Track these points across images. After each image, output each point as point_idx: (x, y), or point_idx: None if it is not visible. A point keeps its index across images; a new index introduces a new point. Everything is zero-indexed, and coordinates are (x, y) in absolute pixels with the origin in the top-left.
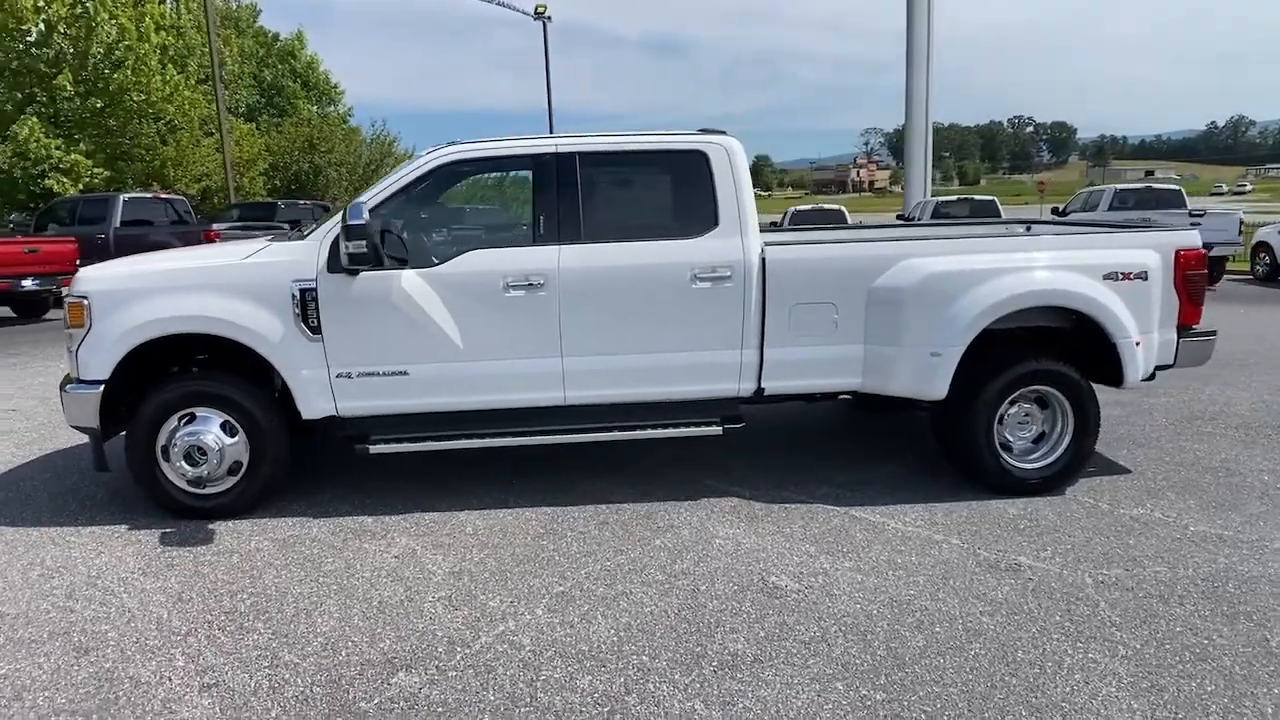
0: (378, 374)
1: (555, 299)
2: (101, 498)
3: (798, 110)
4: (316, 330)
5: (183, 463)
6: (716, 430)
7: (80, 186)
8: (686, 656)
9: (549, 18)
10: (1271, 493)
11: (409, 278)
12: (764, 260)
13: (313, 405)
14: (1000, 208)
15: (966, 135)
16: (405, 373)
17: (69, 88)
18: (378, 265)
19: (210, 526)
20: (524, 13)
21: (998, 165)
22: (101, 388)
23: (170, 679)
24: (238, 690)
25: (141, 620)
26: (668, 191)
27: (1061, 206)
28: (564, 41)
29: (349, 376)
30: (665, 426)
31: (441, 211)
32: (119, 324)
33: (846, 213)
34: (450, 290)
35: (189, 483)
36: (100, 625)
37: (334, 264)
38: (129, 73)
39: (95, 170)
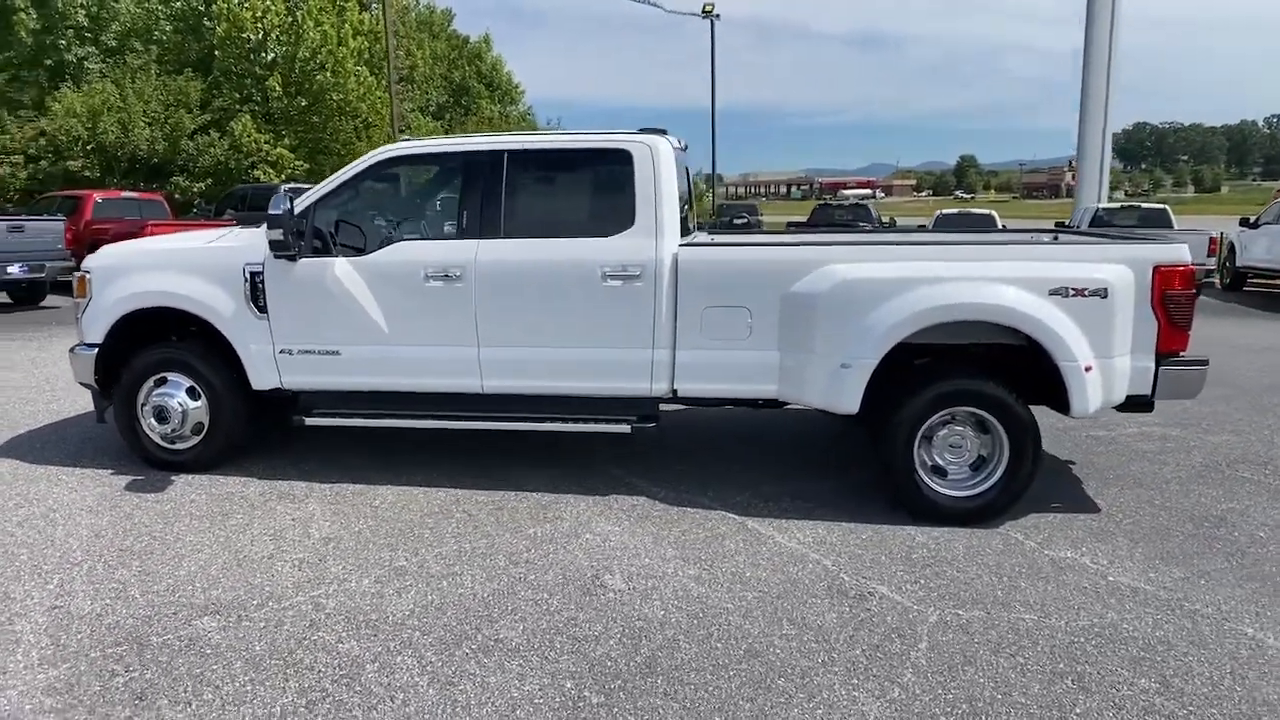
0: (314, 352)
1: (471, 291)
2: (99, 448)
3: (1011, 108)
4: (263, 310)
5: (153, 420)
6: (625, 429)
7: (283, 177)
8: (453, 637)
9: (717, 15)
10: (1249, 551)
11: (341, 265)
12: (676, 261)
13: (261, 377)
14: (1173, 217)
15: (1210, 136)
16: (338, 352)
17: (278, 88)
18: (325, 253)
19: (173, 478)
20: (692, 14)
21: (1247, 170)
22: (96, 350)
23: (31, 598)
24: (73, 614)
25: (56, 549)
26: (591, 190)
27: (1253, 218)
28: (761, 38)
29: (290, 353)
30: (573, 421)
31: (381, 204)
32: (109, 297)
33: (997, 217)
34: (377, 278)
35: (162, 439)
36: (21, 548)
37: (289, 253)
38: (329, 75)
39: (297, 163)
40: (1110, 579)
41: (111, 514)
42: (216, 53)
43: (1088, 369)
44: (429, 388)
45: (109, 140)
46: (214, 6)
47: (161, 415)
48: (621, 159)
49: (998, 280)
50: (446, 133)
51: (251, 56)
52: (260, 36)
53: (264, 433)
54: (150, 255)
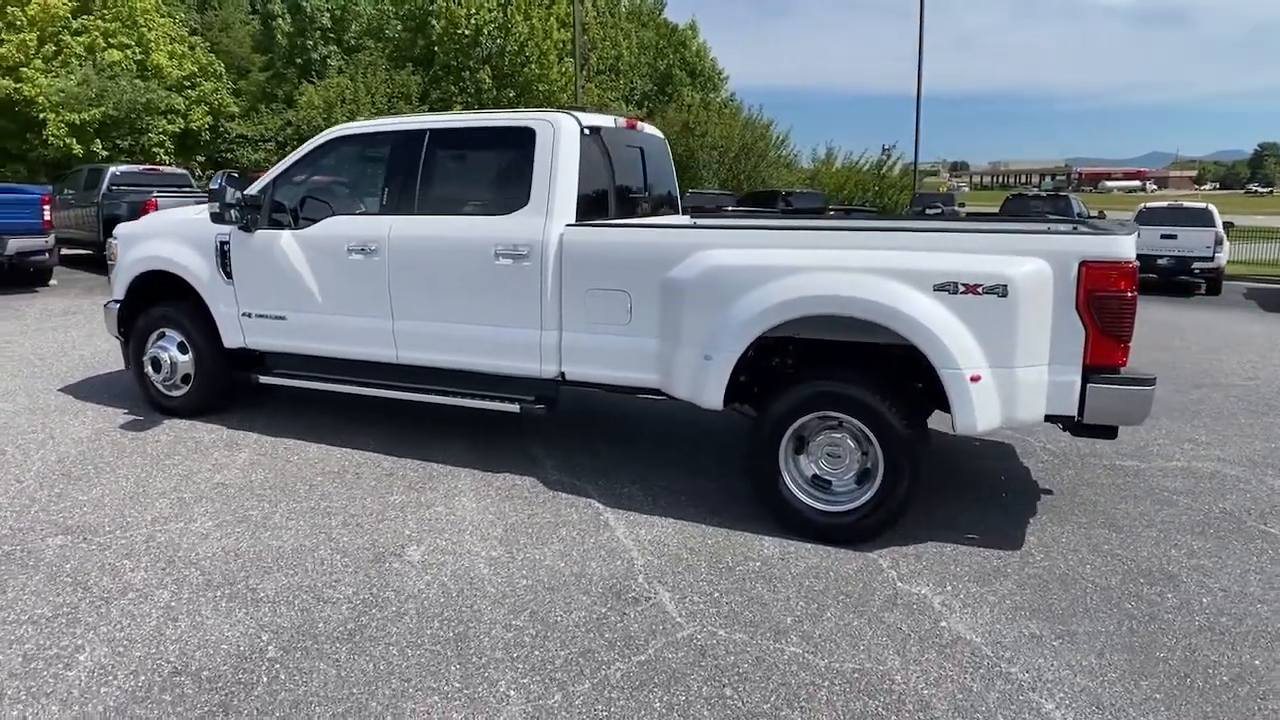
0: (267, 316)
1: (385, 266)
2: (121, 392)
3: None
4: (230, 276)
5: (150, 369)
6: (514, 408)
7: None
8: (219, 580)
9: None
10: (1161, 621)
11: (286, 237)
12: (561, 242)
13: (230, 337)
14: None
15: None
16: (284, 318)
17: (488, 80)
18: (278, 225)
19: (163, 421)
20: None
21: None
22: (118, 306)
23: None
24: None
25: (21, 466)
26: (496, 169)
27: None
28: (1022, 14)
29: (250, 316)
30: (470, 397)
31: (326, 181)
32: (128, 260)
33: (1215, 212)
34: (313, 250)
35: (161, 386)
36: (7, 466)
37: (243, 223)
38: (534, 67)
39: None
40: (942, 624)
41: (88, 445)
42: (436, 48)
43: (974, 379)
44: (356, 355)
45: None
46: (435, 4)
47: (156, 365)
48: (526, 138)
49: (875, 271)
50: (649, 120)
51: (467, 50)
52: (474, 32)
53: (261, 390)
54: (158, 224)
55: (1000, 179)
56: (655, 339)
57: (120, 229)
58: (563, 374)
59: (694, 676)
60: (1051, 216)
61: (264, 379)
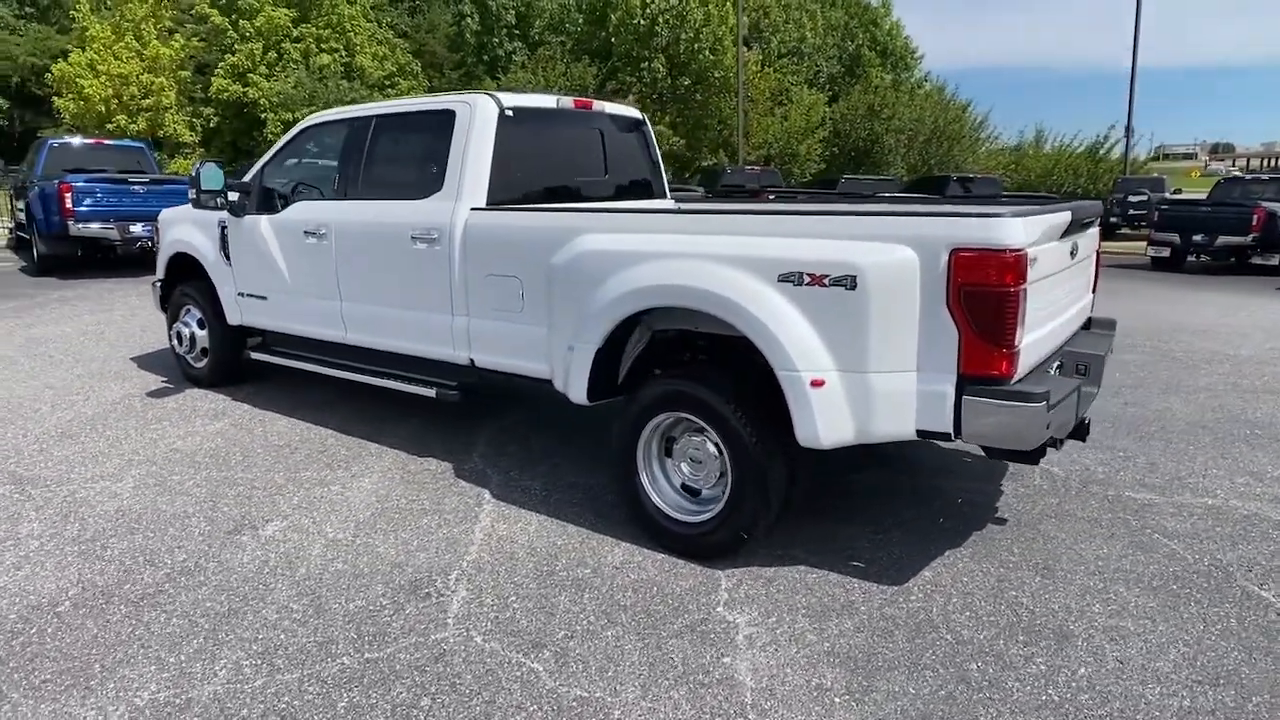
0: (254, 296)
1: (332, 249)
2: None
3: None
4: (228, 258)
5: (175, 342)
6: (430, 393)
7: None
8: (76, 532)
9: None
10: (968, 680)
11: (264, 221)
12: (465, 226)
13: (231, 314)
14: None
15: None
16: (265, 298)
17: (662, 69)
18: (262, 210)
19: (184, 390)
20: None
21: None
22: (159, 285)
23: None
24: None
25: (45, 425)
26: (423, 153)
27: None
28: None
29: (243, 295)
30: (397, 379)
31: (300, 167)
32: (165, 242)
33: None
34: (281, 234)
35: (189, 357)
36: (30, 421)
37: (233, 208)
38: (708, 54)
39: (674, 139)
40: (725, 659)
41: (106, 407)
42: (613, 39)
43: (816, 383)
44: (317, 335)
45: None
46: None
47: (180, 338)
48: (447, 121)
49: (720, 259)
50: (829, 104)
51: (644, 40)
52: (649, 21)
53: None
54: (186, 211)
55: (1274, 162)
56: (544, 328)
57: (162, 214)
58: (472, 360)
59: (406, 681)
60: (1266, 201)
61: (254, 355)
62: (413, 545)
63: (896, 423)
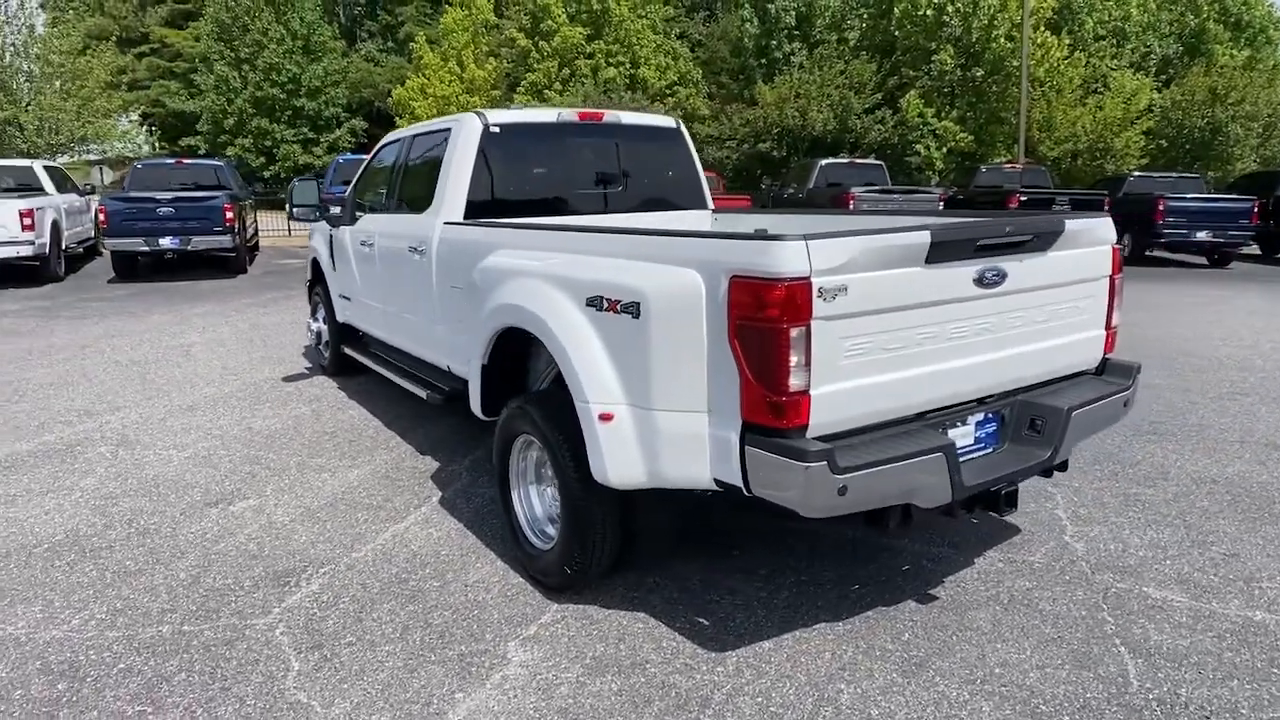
0: (345, 297)
1: (376, 257)
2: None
3: None
4: (334, 263)
5: (310, 335)
6: (422, 394)
7: (944, 151)
8: (82, 474)
9: None
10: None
11: (347, 232)
12: (439, 240)
13: (340, 313)
14: None
15: None
16: (350, 299)
17: (949, 61)
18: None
19: (311, 377)
20: None
21: None
22: (308, 285)
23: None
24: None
25: (199, 394)
26: (431, 170)
27: None
28: None
29: (341, 296)
30: (409, 379)
31: (376, 182)
32: (309, 250)
33: None
34: (353, 243)
35: (321, 348)
36: (193, 391)
37: (331, 220)
38: (1003, 40)
39: (962, 135)
40: (507, 693)
41: (240, 390)
42: (896, 33)
43: (604, 417)
44: (376, 335)
45: (792, 123)
46: None
47: (311, 333)
48: (445, 139)
49: (556, 279)
50: (1160, 89)
51: (930, 31)
52: (935, 11)
53: None
54: (322, 222)
55: None
56: None
57: (312, 226)
58: (449, 367)
59: (185, 657)
60: None
61: (345, 350)
62: (324, 536)
63: (688, 469)
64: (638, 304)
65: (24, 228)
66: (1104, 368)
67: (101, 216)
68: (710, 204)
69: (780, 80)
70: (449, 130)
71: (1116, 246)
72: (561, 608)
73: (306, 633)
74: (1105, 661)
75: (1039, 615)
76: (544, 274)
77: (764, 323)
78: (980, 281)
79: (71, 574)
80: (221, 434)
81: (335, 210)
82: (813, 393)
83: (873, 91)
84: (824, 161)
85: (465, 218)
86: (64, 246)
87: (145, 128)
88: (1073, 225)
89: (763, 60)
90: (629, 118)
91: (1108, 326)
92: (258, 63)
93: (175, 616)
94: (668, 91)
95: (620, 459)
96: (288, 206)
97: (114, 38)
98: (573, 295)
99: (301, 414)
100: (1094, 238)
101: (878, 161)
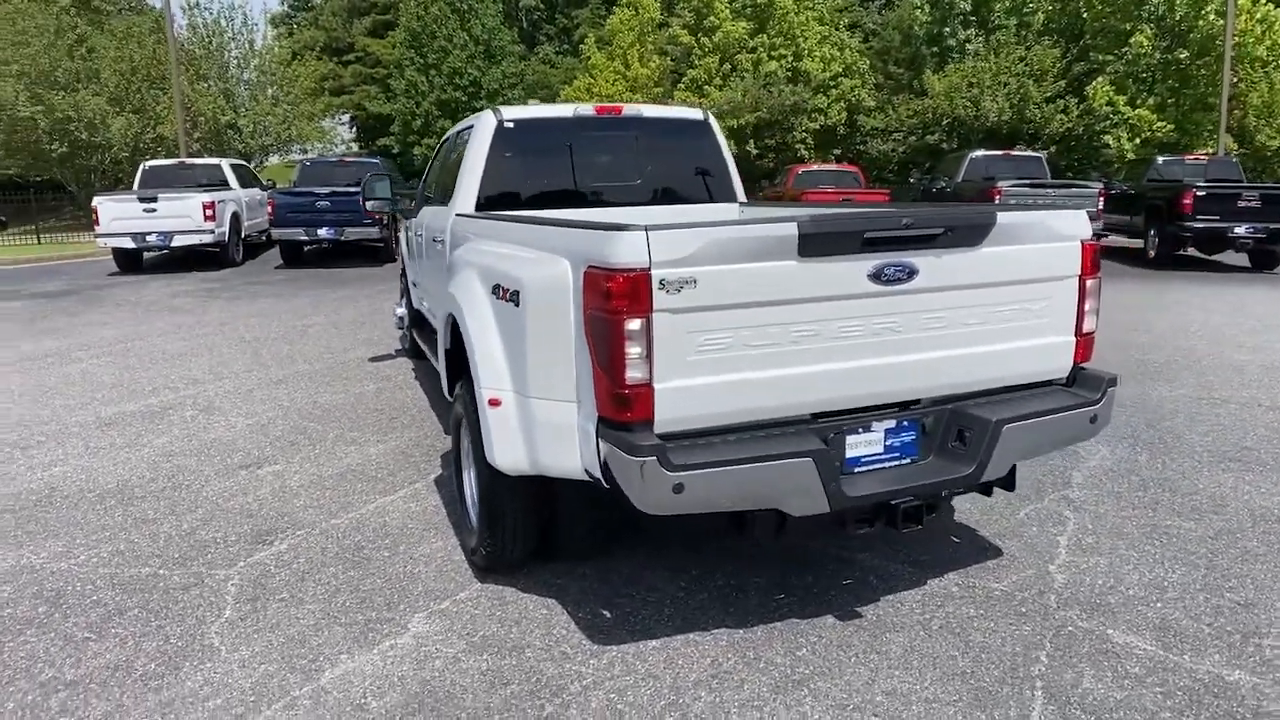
0: (415, 284)
1: (423, 244)
2: None
3: None
4: (409, 252)
5: (396, 320)
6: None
7: (1137, 141)
8: (169, 439)
9: None
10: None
11: (413, 223)
12: (450, 230)
13: (414, 300)
14: None
15: None
16: (417, 284)
17: (1145, 43)
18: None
19: (397, 359)
20: None
21: None
22: (400, 271)
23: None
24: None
25: (290, 370)
26: (459, 164)
27: None
28: None
29: (413, 285)
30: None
31: (439, 174)
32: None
33: None
34: (412, 234)
35: (403, 330)
36: (288, 366)
37: (404, 212)
38: (1213, 16)
39: (1159, 124)
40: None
41: (327, 369)
42: (1084, 14)
43: (493, 402)
44: (427, 319)
45: (963, 114)
46: None
47: (396, 316)
48: (471, 134)
49: (479, 268)
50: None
51: (1126, 10)
52: None
53: None
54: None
55: None
56: None
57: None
58: None
59: (139, 598)
60: None
61: (413, 332)
62: (317, 503)
63: (561, 459)
64: (518, 292)
65: (206, 218)
66: (1075, 378)
67: (269, 209)
68: (741, 196)
69: (951, 69)
70: (472, 126)
71: (1090, 243)
72: (483, 587)
73: (252, 586)
74: (1009, 704)
75: (962, 646)
76: (477, 264)
77: (606, 313)
78: (878, 278)
79: (103, 518)
80: (289, 405)
81: (405, 204)
82: (656, 386)
83: (1055, 79)
84: (975, 153)
85: (481, 210)
86: (243, 235)
87: (352, 129)
88: (1010, 219)
89: (935, 48)
90: (651, 111)
91: (1078, 333)
92: (443, 67)
93: (157, 561)
94: (831, 83)
95: (507, 444)
96: (361, 200)
97: (319, 46)
98: (485, 284)
99: (365, 391)
100: (1049, 233)
101: (1036, 154)
